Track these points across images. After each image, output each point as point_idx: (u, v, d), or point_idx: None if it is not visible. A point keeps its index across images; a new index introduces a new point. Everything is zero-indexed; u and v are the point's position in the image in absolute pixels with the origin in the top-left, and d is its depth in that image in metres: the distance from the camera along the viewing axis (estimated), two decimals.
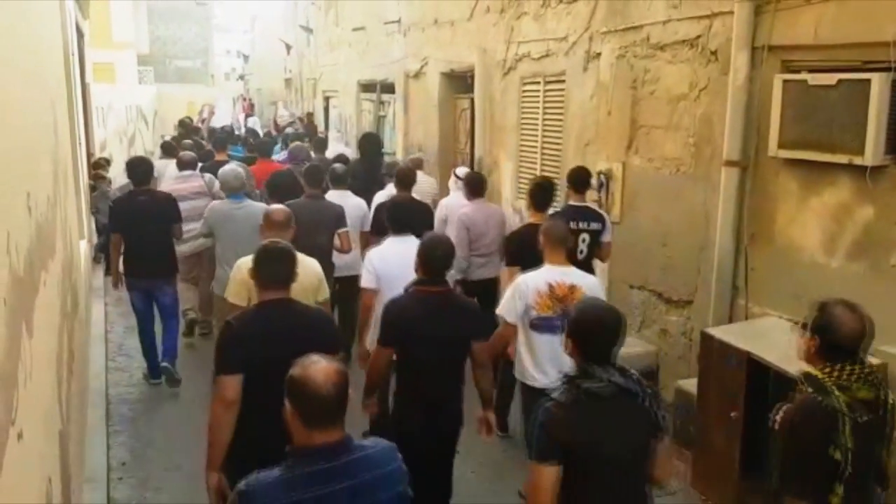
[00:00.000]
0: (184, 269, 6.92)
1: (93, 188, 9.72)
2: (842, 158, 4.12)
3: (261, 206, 5.75)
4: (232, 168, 6.48)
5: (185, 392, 6.13)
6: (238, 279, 4.00)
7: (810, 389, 2.61)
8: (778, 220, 4.71)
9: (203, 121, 19.33)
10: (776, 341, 4.22)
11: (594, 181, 6.24)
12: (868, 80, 3.95)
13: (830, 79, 4.15)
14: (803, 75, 4.36)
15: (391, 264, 4.32)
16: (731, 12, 4.77)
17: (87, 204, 9.11)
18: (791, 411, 2.66)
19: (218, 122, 19.40)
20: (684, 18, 5.33)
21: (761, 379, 4.14)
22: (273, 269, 3.29)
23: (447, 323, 3.61)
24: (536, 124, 7.51)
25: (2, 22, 2.19)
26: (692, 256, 5.40)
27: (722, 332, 4.46)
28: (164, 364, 6.17)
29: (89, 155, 10.77)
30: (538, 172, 7.49)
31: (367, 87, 13.32)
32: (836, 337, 2.62)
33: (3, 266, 1.82)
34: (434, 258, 3.66)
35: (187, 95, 27.19)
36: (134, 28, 29.06)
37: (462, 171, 6.87)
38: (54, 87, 4.53)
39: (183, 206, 6.45)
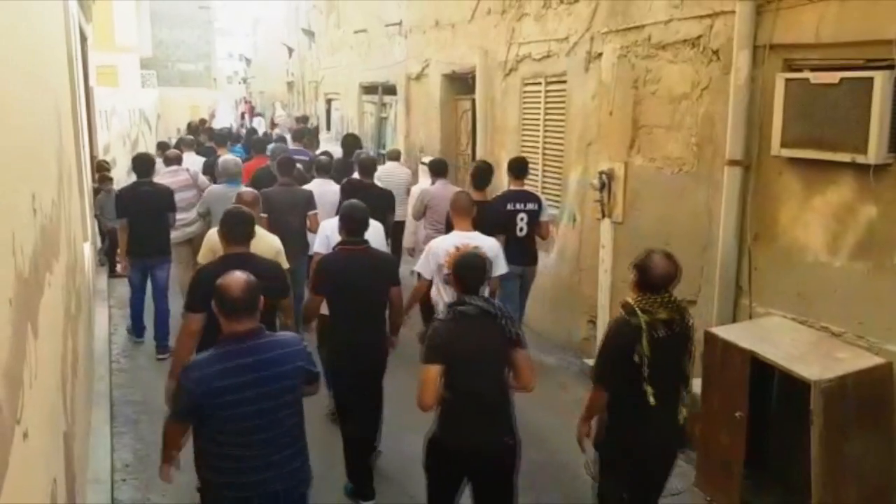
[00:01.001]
0: (185, 255, 7.42)
1: (97, 191, 9.74)
2: (845, 157, 4.12)
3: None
4: (233, 158, 7.71)
5: None
6: (207, 246, 5.00)
7: (623, 311, 3.48)
8: (781, 220, 4.71)
9: (205, 121, 20.22)
10: (780, 341, 4.22)
11: (595, 181, 6.26)
12: (871, 79, 3.94)
13: (833, 77, 4.15)
14: (805, 74, 4.36)
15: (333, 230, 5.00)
16: (733, 11, 4.77)
17: (91, 207, 9.13)
18: (609, 326, 3.70)
19: (218, 123, 20.54)
20: (686, 18, 5.33)
21: (765, 379, 4.14)
22: (235, 229, 4.13)
23: (367, 273, 4.38)
24: (538, 125, 7.51)
25: (3, 23, 2.19)
26: (695, 256, 5.40)
27: (726, 332, 4.46)
28: (165, 345, 6.85)
29: (93, 158, 10.81)
30: (540, 173, 7.51)
31: (368, 90, 13.35)
32: (649, 276, 3.46)
33: (9, 267, 1.83)
34: (353, 221, 4.47)
35: (190, 99, 27.23)
36: (137, 32, 29.09)
37: (427, 158, 8.04)
38: (57, 89, 4.54)
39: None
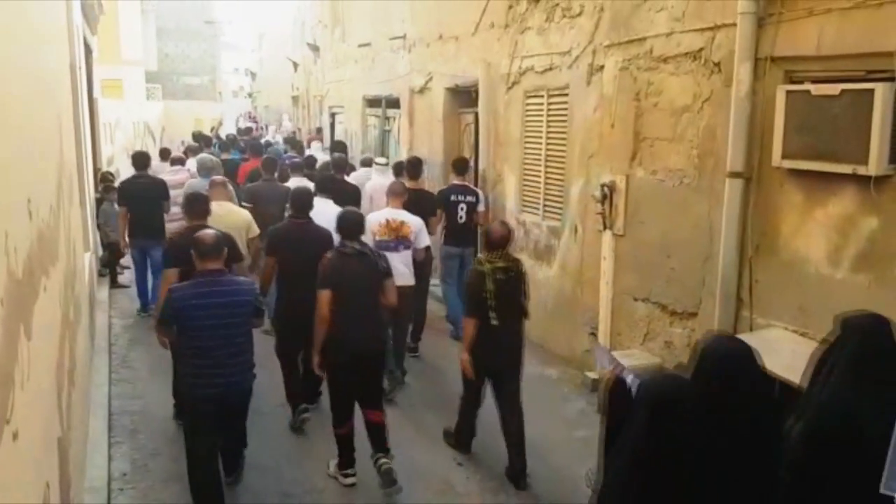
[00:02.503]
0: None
1: (99, 201, 9.76)
2: (846, 168, 4.11)
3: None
4: (207, 156, 9.44)
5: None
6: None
7: (476, 264, 5.00)
8: (782, 232, 4.69)
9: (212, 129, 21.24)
10: (781, 352, 4.19)
11: (597, 193, 6.26)
12: (871, 90, 3.94)
13: (833, 89, 4.15)
14: (806, 86, 4.36)
15: (314, 215, 5.99)
16: (734, 24, 4.78)
17: (94, 217, 9.15)
18: (467, 274, 5.27)
19: (224, 131, 22.29)
20: (687, 31, 5.34)
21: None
22: (194, 207, 5.45)
23: (307, 241, 5.56)
24: (540, 138, 7.52)
25: (4, 30, 2.20)
26: (696, 268, 5.38)
27: None
28: None
29: (96, 169, 10.85)
30: (542, 185, 7.51)
31: (372, 103, 13.39)
32: (490, 239, 4.97)
33: (1, 266, 1.82)
34: (299, 201, 5.85)
35: (195, 112, 27.36)
36: (142, 45, 29.31)
37: (381, 160, 9.20)
38: (59, 98, 4.57)
39: (173, 192, 8.32)
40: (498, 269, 4.84)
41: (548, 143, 7.41)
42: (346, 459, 4.90)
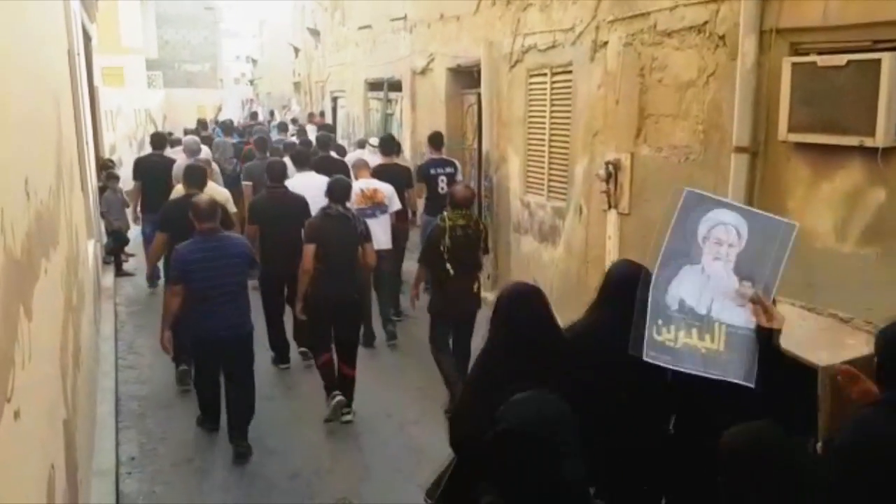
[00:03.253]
0: None
1: (102, 189, 9.75)
2: (852, 141, 4.05)
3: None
4: (193, 138, 10.10)
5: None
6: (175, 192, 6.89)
7: (439, 220, 5.63)
8: (788, 206, 4.64)
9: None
10: (788, 327, 4.16)
11: (601, 172, 6.21)
12: (878, 60, 3.87)
13: (840, 60, 4.08)
14: (812, 57, 4.28)
15: (295, 186, 6.84)
16: None
17: (97, 205, 9.15)
18: (431, 230, 5.76)
19: (223, 116, 22.44)
20: (691, 4, 5.26)
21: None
22: (193, 177, 6.26)
23: (286, 208, 6.36)
24: (544, 117, 7.46)
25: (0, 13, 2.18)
26: None
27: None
28: None
29: (98, 157, 10.83)
30: (546, 166, 7.46)
31: (374, 86, 13.31)
32: (454, 200, 5.65)
33: None
34: (275, 172, 6.65)
35: (196, 99, 27.28)
36: (142, 33, 29.20)
37: (374, 140, 9.60)
38: (57, 82, 4.53)
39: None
40: (458, 226, 5.50)
41: (551, 123, 7.35)
42: (330, 385, 5.60)
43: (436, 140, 8.50)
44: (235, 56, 50.26)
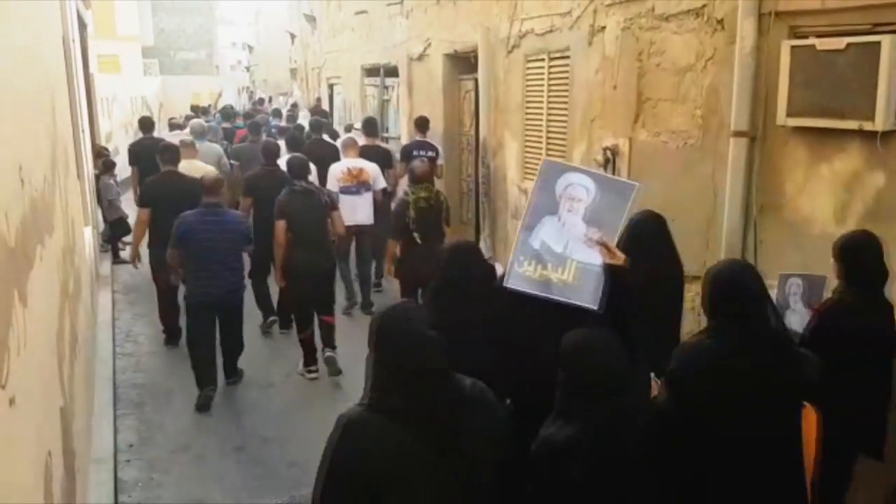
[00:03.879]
0: None
1: (98, 177, 9.71)
2: (851, 124, 4.03)
3: (214, 146, 9.53)
4: (198, 121, 10.42)
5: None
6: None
7: (402, 195, 6.28)
8: (787, 191, 4.63)
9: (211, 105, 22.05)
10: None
11: (599, 157, 6.19)
12: (878, 43, 3.84)
13: (839, 43, 4.05)
14: (811, 41, 4.26)
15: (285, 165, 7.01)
16: None
17: (94, 192, 9.11)
18: (397, 204, 6.35)
19: (223, 102, 22.62)
20: None
21: None
22: (166, 155, 6.94)
23: (271, 183, 6.66)
24: (541, 102, 7.42)
25: None
26: (701, 231, 5.32)
27: None
28: None
29: (94, 145, 10.78)
30: (544, 151, 7.42)
31: (370, 72, 13.24)
32: (413, 175, 6.25)
33: None
34: (269, 152, 7.25)
35: (192, 87, 27.13)
36: (138, 20, 29.03)
37: (358, 123, 10.38)
38: (52, 70, 4.50)
39: None
40: (420, 198, 6.05)
41: (549, 108, 7.31)
42: (310, 359, 6.16)
43: (421, 124, 9.02)
44: (231, 43, 49.97)
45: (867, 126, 3.94)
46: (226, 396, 5.86)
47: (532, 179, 7.62)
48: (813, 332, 3.41)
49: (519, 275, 3.07)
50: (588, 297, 3.01)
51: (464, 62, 9.33)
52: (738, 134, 4.80)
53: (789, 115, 4.38)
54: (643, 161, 5.90)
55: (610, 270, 3.00)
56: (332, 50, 15.99)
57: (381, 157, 8.36)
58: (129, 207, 9.82)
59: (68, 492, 2.85)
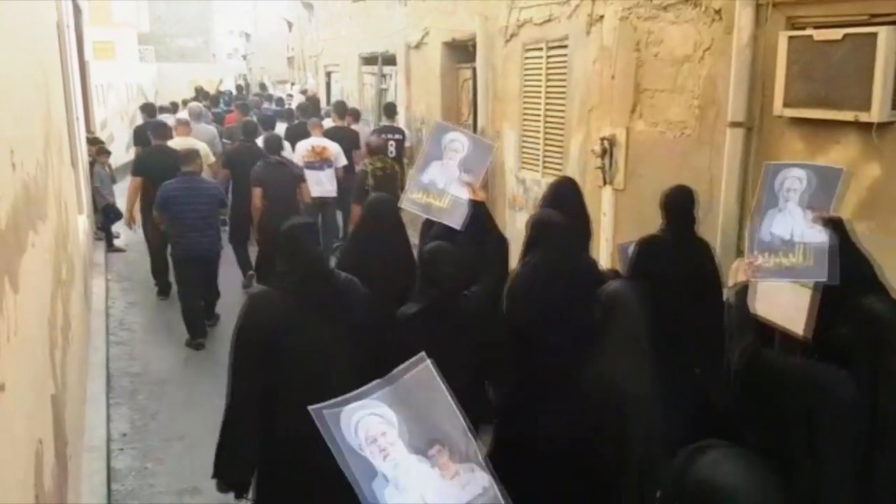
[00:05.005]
0: None
1: (92, 165, 9.66)
2: (848, 115, 4.02)
3: (209, 127, 10.24)
4: (196, 104, 11.23)
5: (187, 366, 6.13)
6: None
7: (362, 166, 7.55)
8: None
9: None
10: (780, 302, 4.16)
11: (596, 147, 6.17)
12: (874, 34, 3.83)
13: (836, 34, 4.04)
14: (808, 31, 4.24)
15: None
16: None
17: (88, 180, 9.07)
18: (357, 174, 7.66)
19: (223, 87, 23.22)
20: None
21: (766, 340, 4.08)
22: (158, 131, 7.96)
23: (250, 160, 7.56)
24: (539, 92, 7.40)
25: None
26: (696, 222, 5.31)
27: (726, 294, 4.39)
28: None
29: (89, 132, 10.73)
30: (542, 141, 7.41)
31: (368, 60, 13.17)
32: (370, 148, 7.65)
33: None
34: (247, 129, 8.29)
35: (189, 74, 26.99)
36: (134, 6, 28.86)
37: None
38: (46, 56, 4.46)
39: None
40: (377, 168, 7.30)
41: (547, 98, 7.28)
42: None
43: (390, 109, 10.06)
44: (228, 30, 49.75)
45: (863, 117, 3.93)
46: (219, 388, 5.84)
47: (530, 169, 7.68)
48: (634, 263, 3.82)
49: (412, 200, 4.26)
50: (457, 219, 4.15)
51: (462, 51, 9.29)
52: (734, 124, 4.78)
53: (786, 105, 4.37)
54: (640, 151, 5.89)
55: (472, 204, 4.17)
56: (330, 38, 15.91)
57: (349, 138, 9.34)
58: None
59: (59, 480, 2.84)
